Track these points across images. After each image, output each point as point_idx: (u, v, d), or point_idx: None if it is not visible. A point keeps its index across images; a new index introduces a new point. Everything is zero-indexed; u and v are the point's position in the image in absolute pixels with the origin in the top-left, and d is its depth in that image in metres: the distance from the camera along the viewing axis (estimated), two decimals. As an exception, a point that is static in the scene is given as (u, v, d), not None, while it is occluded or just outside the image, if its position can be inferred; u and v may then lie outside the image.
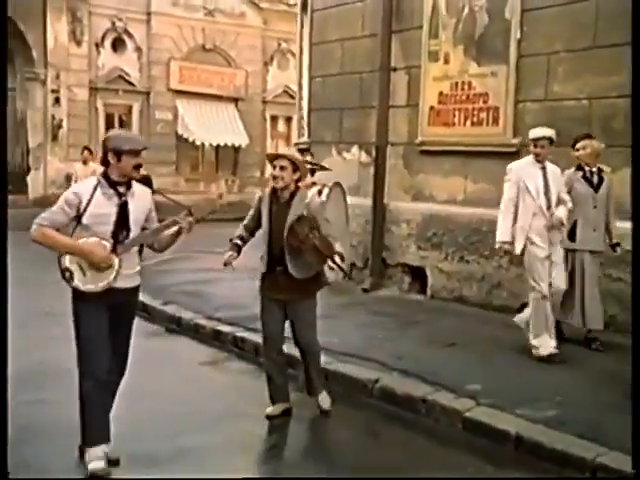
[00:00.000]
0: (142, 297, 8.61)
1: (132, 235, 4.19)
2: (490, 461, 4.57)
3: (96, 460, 4.14)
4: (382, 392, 5.53)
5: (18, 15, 18.91)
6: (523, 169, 6.22)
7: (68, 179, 13.01)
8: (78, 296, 4.19)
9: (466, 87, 7.92)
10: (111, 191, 4.15)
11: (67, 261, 4.11)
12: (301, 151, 10.59)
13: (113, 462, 4.27)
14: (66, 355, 6.24)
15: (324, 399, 5.27)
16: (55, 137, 19.82)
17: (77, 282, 4.13)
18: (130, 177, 4.19)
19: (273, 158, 5.02)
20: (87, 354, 4.21)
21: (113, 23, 20.94)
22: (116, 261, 4.14)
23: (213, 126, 22.14)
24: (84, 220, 4.09)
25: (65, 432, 4.56)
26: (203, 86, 22.20)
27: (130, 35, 21.27)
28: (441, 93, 8.17)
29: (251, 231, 5.19)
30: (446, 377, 5.59)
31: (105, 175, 4.18)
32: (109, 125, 21.34)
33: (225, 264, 5.10)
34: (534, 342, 6.13)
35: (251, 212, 5.19)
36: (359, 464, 4.57)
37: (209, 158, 23.24)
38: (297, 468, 4.51)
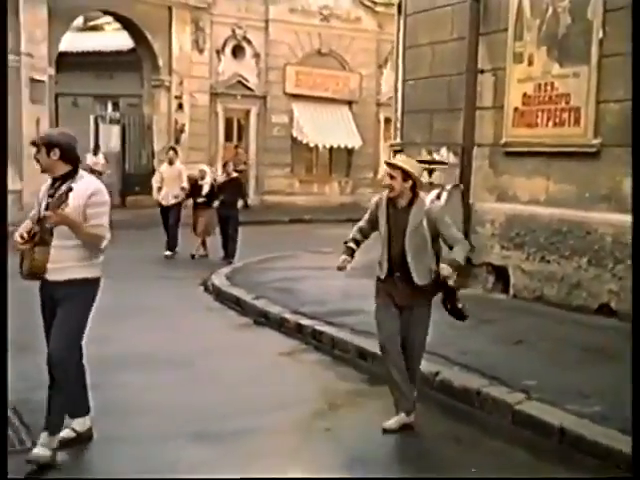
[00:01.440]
0: (236, 291, 9.29)
1: (62, 230, 4.27)
2: (533, 453, 4.74)
3: (40, 447, 4.28)
4: (441, 385, 5.75)
5: (146, 26, 20.16)
6: None
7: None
8: None
9: (549, 88, 7.95)
10: (50, 186, 4.43)
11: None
12: (396, 152, 10.89)
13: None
14: (148, 343, 6.90)
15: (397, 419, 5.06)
16: (177, 141, 20.84)
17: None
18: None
19: (387, 166, 5.09)
20: None
21: (233, 31, 21.82)
22: (27, 251, 4.30)
23: (327, 128, 22.67)
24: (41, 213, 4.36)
25: (147, 410, 5.16)
26: (318, 90, 22.78)
27: (249, 42, 22.10)
28: (525, 94, 8.23)
29: (365, 234, 5.25)
30: (505, 372, 5.74)
31: None
32: (228, 129, 22.34)
33: (339, 268, 5.17)
34: None
35: (367, 216, 5.22)
36: (403, 453, 4.84)
37: (323, 160, 23.81)
38: (350, 452, 4.79)
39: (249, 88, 22.15)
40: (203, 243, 13.01)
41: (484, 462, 4.64)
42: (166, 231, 13.06)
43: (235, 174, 13.17)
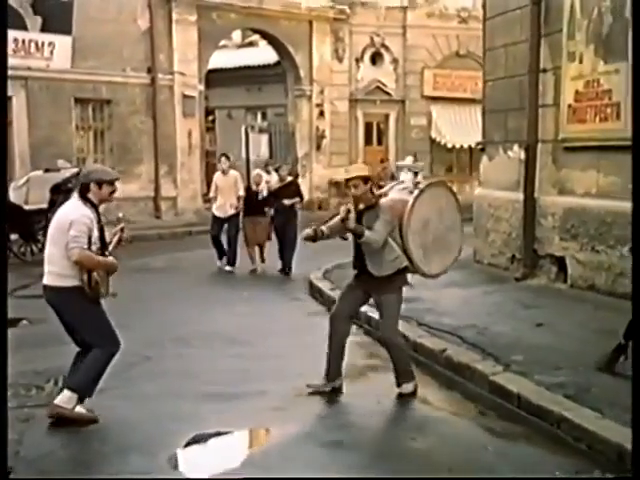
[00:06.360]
0: (321, 284, 10.22)
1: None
2: (498, 415, 5.36)
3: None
4: (445, 360, 6.40)
5: (289, 40, 21.63)
6: None
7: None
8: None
9: (595, 85, 8.25)
10: (96, 215, 5.10)
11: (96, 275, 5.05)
12: (481, 150, 11.33)
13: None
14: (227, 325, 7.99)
15: (406, 387, 5.81)
16: (319, 147, 22.19)
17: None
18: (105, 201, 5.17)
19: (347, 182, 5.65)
20: None
21: (372, 39, 22.77)
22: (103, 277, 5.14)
23: (466, 128, 22.96)
24: (92, 240, 5.00)
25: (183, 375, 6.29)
26: (456, 91, 23.18)
27: (387, 48, 22.95)
28: (577, 91, 8.56)
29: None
30: (502, 349, 6.31)
31: (90, 201, 5.07)
32: (368, 133, 23.31)
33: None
34: None
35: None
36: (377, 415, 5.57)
37: (462, 160, 24.16)
38: (331, 411, 5.67)
39: (387, 93, 22.99)
40: (261, 254, 11.99)
41: (460, 422, 5.33)
42: (214, 244, 12.07)
43: (290, 178, 12.20)
